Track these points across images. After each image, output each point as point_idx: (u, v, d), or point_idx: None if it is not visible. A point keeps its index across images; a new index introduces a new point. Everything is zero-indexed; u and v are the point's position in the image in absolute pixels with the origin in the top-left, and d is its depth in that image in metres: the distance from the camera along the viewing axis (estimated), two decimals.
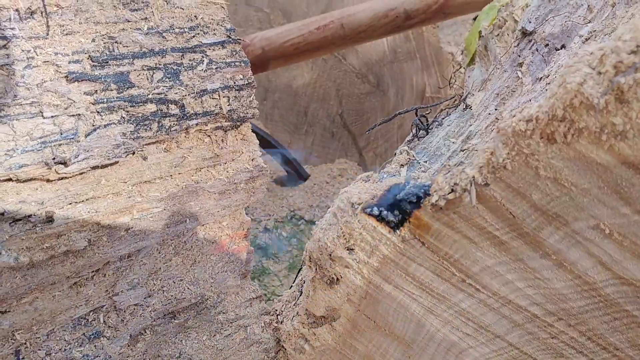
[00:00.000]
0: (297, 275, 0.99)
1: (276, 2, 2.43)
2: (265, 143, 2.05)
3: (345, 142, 2.57)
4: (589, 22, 0.89)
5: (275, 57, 1.81)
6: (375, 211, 0.72)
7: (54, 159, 0.68)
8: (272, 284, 1.86)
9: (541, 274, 0.66)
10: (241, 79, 0.84)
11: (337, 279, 0.80)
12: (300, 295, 0.91)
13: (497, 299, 0.71)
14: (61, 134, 0.69)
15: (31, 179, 0.68)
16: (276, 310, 0.97)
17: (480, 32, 1.29)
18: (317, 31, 1.78)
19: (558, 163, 0.56)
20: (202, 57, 0.82)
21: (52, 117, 0.69)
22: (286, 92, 2.56)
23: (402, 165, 0.78)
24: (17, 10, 0.69)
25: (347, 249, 0.76)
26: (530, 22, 1.05)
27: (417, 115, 1.03)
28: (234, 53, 0.85)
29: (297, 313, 0.90)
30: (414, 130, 1.00)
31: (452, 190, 0.65)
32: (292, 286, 0.98)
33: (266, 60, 1.81)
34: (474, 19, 1.39)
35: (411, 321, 0.79)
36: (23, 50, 0.69)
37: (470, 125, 0.87)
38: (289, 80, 2.54)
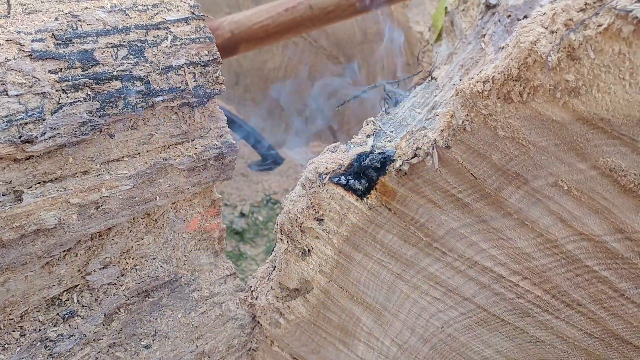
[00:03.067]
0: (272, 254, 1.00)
1: None
2: (238, 128, 2.04)
3: (319, 125, 2.57)
4: None
5: (244, 40, 1.80)
6: (343, 180, 0.73)
7: (20, 137, 0.68)
8: (250, 268, 1.86)
9: (504, 234, 0.68)
10: (206, 55, 0.85)
11: (309, 251, 0.81)
12: (274, 270, 0.92)
13: (464, 262, 0.73)
14: (27, 113, 0.68)
15: None
16: (251, 286, 0.98)
17: (446, 8, 1.30)
18: (285, 13, 1.77)
19: (515, 122, 0.57)
20: (166, 33, 0.82)
21: (17, 95, 0.68)
22: (258, 76, 2.55)
23: (368, 135, 0.79)
24: None
25: (317, 220, 0.77)
26: None
27: (385, 91, 1.05)
28: (198, 29, 0.85)
29: (271, 287, 0.91)
30: (383, 106, 1.01)
31: (415, 155, 0.66)
32: (266, 262, 0.99)
33: (236, 44, 1.81)
34: None
35: (382, 288, 0.80)
36: None
37: (435, 95, 0.88)
38: (261, 64, 2.53)
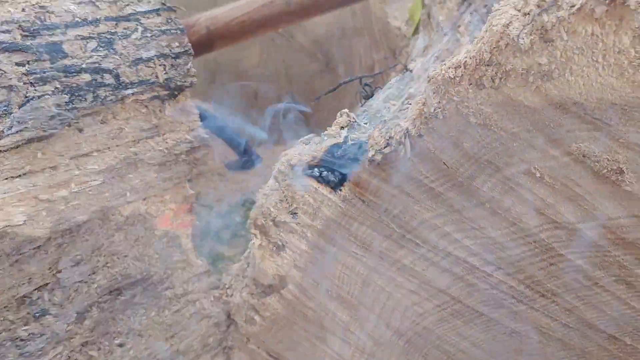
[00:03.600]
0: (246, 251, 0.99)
1: None
2: (215, 127, 2.03)
3: (297, 122, 2.56)
4: None
5: (221, 36, 1.79)
6: (316, 172, 0.73)
7: None
8: (227, 268, 1.85)
9: (477, 224, 0.67)
10: (177, 47, 0.83)
11: (283, 245, 0.80)
12: (248, 266, 0.91)
13: (437, 252, 0.72)
14: None
15: None
16: (225, 284, 0.97)
17: (423, 1, 1.30)
18: (262, 8, 1.76)
19: (487, 109, 0.57)
20: (137, 25, 0.81)
21: None
22: (235, 74, 2.54)
23: (342, 127, 0.78)
24: None
25: (291, 213, 0.77)
26: None
27: (361, 84, 1.04)
28: (169, 21, 0.84)
29: (246, 284, 0.90)
30: (359, 100, 1.00)
31: (388, 144, 0.65)
32: (240, 260, 0.98)
33: (212, 40, 1.79)
34: None
35: (357, 282, 0.79)
36: None
37: (410, 87, 0.87)
38: (237, 61, 2.52)
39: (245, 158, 2.20)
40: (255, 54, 2.51)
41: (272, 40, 2.46)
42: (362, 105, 0.97)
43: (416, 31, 1.34)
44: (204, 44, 1.78)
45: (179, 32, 0.84)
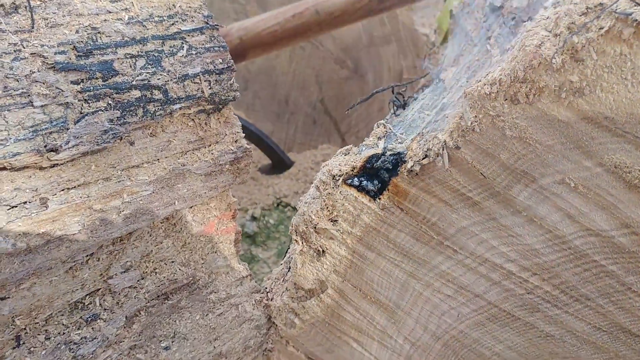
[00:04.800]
0: (285, 256, 1.02)
1: None
2: (248, 133, 2.07)
3: (328, 128, 2.60)
4: None
5: (252, 46, 1.83)
6: (356, 182, 0.76)
7: (45, 146, 0.70)
8: (262, 271, 1.88)
9: (514, 231, 0.70)
10: (221, 63, 0.87)
11: (323, 251, 0.83)
12: (289, 271, 0.94)
13: (474, 259, 0.75)
14: (51, 122, 0.71)
15: (25, 167, 0.70)
16: (266, 288, 1.00)
17: (451, 11, 1.33)
18: (292, 18, 1.80)
19: (522, 122, 0.60)
20: (182, 43, 0.84)
21: (41, 106, 0.71)
22: (266, 81, 2.58)
23: (379, 138, 0.81)
24: (1, 5, 0.71)
25: (331, 221, 0.80)
26: None
27: (393, 94, 1.07)
28: (213, 38, 0.87)
29: (287, 288, 0.93)
30: (392, 108, 1.03)
31: (426, 156, 0.68)
32: (281, 264, 1.01)
33: (244, 50, 1.84)
34: None
35: (395, 287, 0.82)
36: (10, 44, 0.71)
37: (444, 97, 0.90)
38: (269, 69, 2.56)
39: (278, 162, 2.23)
40: (286, 61, 2.55)
41: (302, 48, 2.49)
42: (394, 114, 1.00)
43: (444, 40, 1.36)
44: (236, 53, 1.83)
45: (221, 49, 0.88)
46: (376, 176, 0.74)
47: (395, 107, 1.03)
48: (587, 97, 0.55)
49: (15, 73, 0.70)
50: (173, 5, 0.86)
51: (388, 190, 0.74)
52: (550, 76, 0.55)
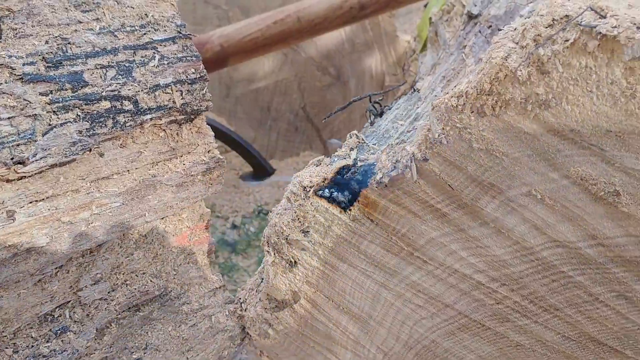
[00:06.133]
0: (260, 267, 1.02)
1: None
2: (230, 140, 2.06)
3: (310, 135, 2.60)
4: (531, 2, 0.92)
5: (234, 53, 1.83)
6: (326, 193, 0.75)
7: (12, 159, 0.70)
8: (242, 279, 1.88)
9: (482, 242, 0.70)
10: (193, 73, 0.87)
11: (295, 262, 0.83)
12: (262, 282, 0.94)
13: (444, 270, 0.75)
14: (19, 135, 0.70)
15: None
16: (240, 298, 1.00)
17: (430, 18, 1.33)
18: (274, 25, 1.80)
19: (489, 135, 0.59)
20: (154, 53, 0.84)
21: (9, 118, 0.70)
22: (248, 88, 2.58)
23: (351, 148, 0.81)
24: None
25: (302, 232, 0.79)
26: (475, 6, 1.10)
27: (370, 102, 1.07)
28: (185, 48, 0.87)
29: (260, 299, 0.93)
30: (369, 117, 1.03)
31: (395, 167, 0.68)
32: (254, 275, 1.01)
33: (225, 57, 1.83)
34: (425, 5, 1.43)
35: (367, 297, 0.82)
36: None
37: (418, 107, 0.90)
38: (251, 76, 2.56)
39: (259, 170, 2.23)
40: (268, 68, 2.55)
41: (285, 55, 2.50)
42: (371, 122, 1.00)
43: (424, 48, 1.37)
44: (218, 60, 1.82)
45: (194, 58, 0.87)
46: (347, 187, 0.74)
47: (372, 116, 1.03)
48: (553, 110, 0.55)
49: None
50: (145, 14, 0.86)
51: (358, 201, 0.73)
52: (517, 88, 0.55)
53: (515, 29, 0.58)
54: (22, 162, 0.71)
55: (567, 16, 0.53)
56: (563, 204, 0.63)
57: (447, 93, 0.61)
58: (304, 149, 2.56)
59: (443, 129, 0.62)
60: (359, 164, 0.75)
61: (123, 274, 0.87)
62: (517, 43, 0.56)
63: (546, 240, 0.67)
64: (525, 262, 0.70)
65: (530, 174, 0.62)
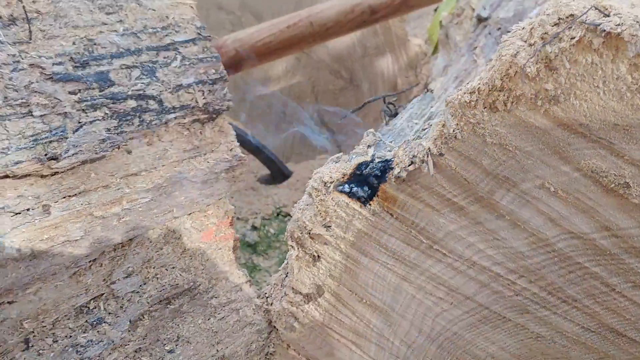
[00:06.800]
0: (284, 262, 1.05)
1: (247, 4, 2.48)
2: (247, 143, 2.09)
3: (325, 138, 2.62)
4: (539, 5, 0.95)
5: (248, 57, 1.86)
6: (346, 188, 0.78)
7: (46, 154, 0.73)
8: (264, 279, 1.90)
9: (499, 235, 0.73)
10: (214, 73, 0.90)
11: (318, 256, 0.85)
12: (287, 276, 0.97)
13: (463, 262, 0.77)
14: (51, 132, 0.74)
15: (27, 175, 0.73)
16: (265, 293, 1.02)
17: (440, 21, 1.36)
18: (287, 29, 1.83)
19: (502, 129, 0.62)
20: (176, 54, 0.87)
21: (41, 115, 0.74)
22: (263, 92, 2.61)
23: (369, 146, 0.84)
24: (0, 17, 0.74)
25: (325, 226, 0.82)
26: (485, 9, 1.12)
27: (385, 103, 1.10)
28: (205, 49, 0.90)
29: (285, 293, 0.95)
30: (384, 118, 1.06)
31: (412, 162, 0.71)
32: (279, 270, 1.03)
33: (239, 61, 1.86)
34: (435, 10, 1.46)
35: (388, 290, 0.85)
36: (9, 55, 0.73)
37: (432, 107, 0.93)
38: (265, 80, 2.59)
39: (277, 172, 2.26)
40: (282, 72, 2.58)
41: (298, 59, 2.53)
42: (386, 123, 1.03)
43: (435, 50, 1.40)
44: (232, 65, 1.85)
45: (214, 59, 0.91)
46: (366, 183, 0.77)
47: (386, 117, 1.06)
48: (562, 105, 0.58)
49: (14, 84, 0.73)
50: (166, 17, 0.89)
51: (377, 196, 0.76)
52: (526, 84, 0.58)
53: (523, 28, 0.61)
54: (55, 158, 0.74)
55: (572, 15, 0.56)
56: (576, 196, 0.65)
57: (460, 89, 0.64)
58: (320, 152, 2.58)
59: (457, 124, 0.64)
60: (377, 160, 0.78)
61: (154, 267, 0.90)
62: (525, 41, 0.59)
63: (561, 232, 0.69)
64: (541, 254, 0.72)
65: (542, 167, 0.64)
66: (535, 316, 0.80)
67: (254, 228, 2.07)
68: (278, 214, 2.16)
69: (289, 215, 2.14)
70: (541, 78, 0.57)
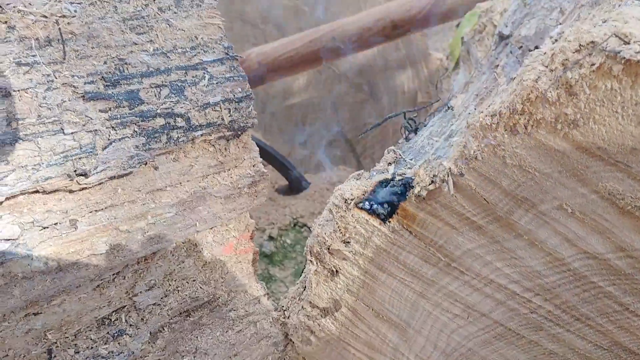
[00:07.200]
0: (301, 275, 1.06)
1: (270, 17, 2.51)
2: (266, 154, 2.11)
3: (343, 150, 2.64)
4: (560, 24, 0.96)
5: (271, 70, 1.88)
6: (367, 205, 0.80)
7: (75, 171, 0.75)
8: (279, 290, 1.91)
9: (516, 254, 0.74)
10: (240, 92, 0.92)
11: (337, 271, 0.87)
12: (304, 290, 0.98)
13: (480, 280, 0.79)
14: (81, 149, 0.76)
15: (56, 190, 0.75)
16: (283, 306, 1.04)
17: (462, 38, 1.37)
18: (309, 44, 1.86)
19: (522, 152, 0.64)
20: (204, 73, 0.90)
21: (72, 133, 0.76)
22: (283, 104, 2.63)
23: (389, 163, 0.85)
24: (37, 39, 0.77)
25: (344, 242, 0.84)
26: (507, 27, 1.13)
27: (405, 119, 1.11)
28: (232, 68, 0.93)
29: (302, 307, 0.97)
30: (403, 133, 1.07)
31: (432, 182, 0.72)
32: (296, 283, 1.05)
33: (263, 74, 1.89)
34: (457, 25, 1.47)
35: (405, 306, 0.86)
36: (44, 75, 0.76)
37: (452, 124, 0.94)
38: (286, 92, 2.61)
39: (295, 183, 2.27)
40: (303, 84, 2.60)
41: (319, 72, 2.55)
42: (406, 139, 1.04)
43: (456, 66, 1.41)
44: (255, 78, 1.88)
45: (241, 78, 0.93)
46: (386, 200, 0.78)
47: (406, 132, 1.07)
48: (581, 129, 0.59)
49: (48, 102, 0.75)
50: (195, 37, 0.91)
51: (397, 213, 0.77)
52: (547, 109, 0.59)
53: (544, 53, 0.62)
54: (84, 174, 0.76)
55: (592, 42, 0.57)
56: (592, 217, 0.66)
57: (482, 112, 0.65)
58: (338, 163, 2.60)
59: (478, 145, 0.66)
60: (397, 178, 0.79)
61: (175, 280, 0.92)
62: (546, 66, 0.60)
63: (577, 252, 0.70)
64: (557, 273, 0.74)
65: (560, 188, 0.65)
66: (549, 333, 0.81)
67: (271, 238, 2.09)
68: (295, 225, 2.17)
69: (306, 226, 2.16)
70: (561, 103, 0.58)
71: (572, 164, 0.62)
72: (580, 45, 0.58)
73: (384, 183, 0.79)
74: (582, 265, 0.71)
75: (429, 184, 0.73)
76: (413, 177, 0.76)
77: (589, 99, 0.57)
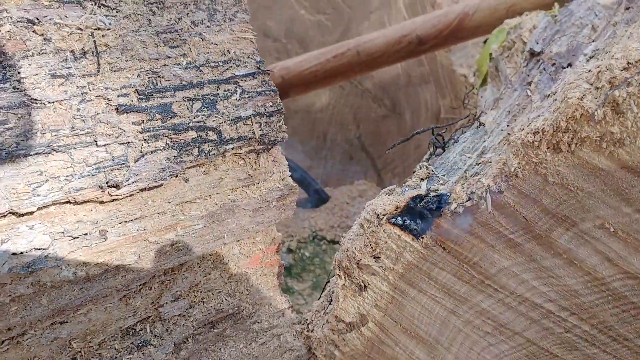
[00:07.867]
0: (324, 289, 1.05)
1: (293, 32, 2.52)
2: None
3: (364, 164, 2.64)
4: (593, 41, 0.95)
5: (294, 85, 1.88)
6: (399, 221, 0.79)
7: (107, 182, 0.75)
8: (297, 302, 1.91)
9: (554, 272, 0.73)
10: (271, 106, 0.92)
11: (365, 286, 0.86)
12: (330, 304, 0.97)
13: (514, 298, 0.77)
14: (113, 160, 0.76)
15: (87, 201, 0.75)
16: (307, 319, 1.03)
17: (490, 54, 1.36)
18: (334, 59, 1.85)
19: (564, 170, 0.63)
20: (236, 87, 0.89)
21: (105, 145, 0.76)
22: (305, 118, 2.64)
23: (422, 179, 0.84)
24: (72, 51, 0.77)
25: (374, 257, 0.83)
26: (537, 43, 1.13)
27: (433, 135, 1.10)
28: (264, 83, 0.92)
29: (327, 321, 0.96)
30: (431, 149, 1.06)
31: (470, 199, 0.71)
32: (320, 297, 1.04)
33: (286, 89, 1.89)
34: (485, 42, 1.46)
35: (435, 323, 0.85)
36: (78, 87, 0.76)
37: (484, 141, 0.93)
38: (308, 106, 2.62)
39: (315, 196, 2.28)
40: (325, 99, 2.61)
41: (341, 87, 2.55)
42: (433, 154, 1.03)
43: (484, 82, 1.40)
44: (278, 92, 1.88)
45: (272, 92, 0.93)
46: (419, 215, 0.77)
47: (434, 148, 1.06)
48: (627, 148, 0.58)
49: (82, 114, 0.75)
50: (228, 51, 0.91)
51: (431, 230, 0.77)
52: (592, 127, 0.58)
53: (590, 71, 0.61)
54: (116, 186, 0.76)
55: None
56: (635, 237, 0.65)
57: (523, 129, 0.65)
58: (358, 177, 2.60)
59: (519, 163, 0.65)
60: (431, 193, 0.78)
61: (200, 292, 0.92)
62: (591, 84, 0.59)
63: (618, 271, 0.69)
64: (596, 292, 0.72)
65: (603, 207, 0.64)
66: (584, 353, 0.79)
67: (290, 251, 2.09)
68: (314, 238, 2.17)
69: (325, 239, 2.15)
70: (607, 121, 0.57)
71: (617, 182, 0.61)
72: (628, 62, 0.57)
73: (417, 199, 0.79)
74: (622, 285, 0.70)
75: (466, 201, 0.72)
76: (448, 193, 0.76)
77: (636, 118, 0.56)
